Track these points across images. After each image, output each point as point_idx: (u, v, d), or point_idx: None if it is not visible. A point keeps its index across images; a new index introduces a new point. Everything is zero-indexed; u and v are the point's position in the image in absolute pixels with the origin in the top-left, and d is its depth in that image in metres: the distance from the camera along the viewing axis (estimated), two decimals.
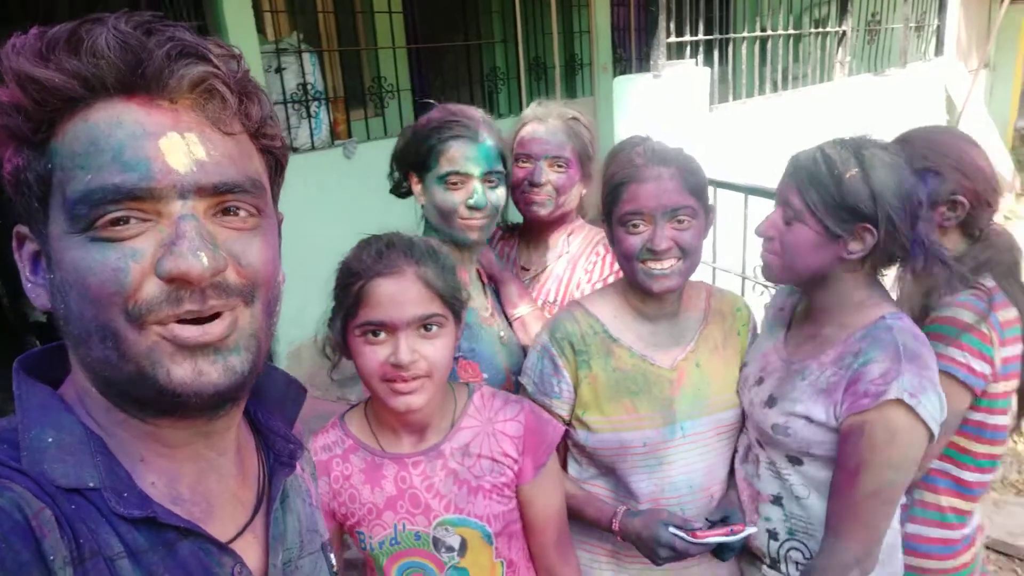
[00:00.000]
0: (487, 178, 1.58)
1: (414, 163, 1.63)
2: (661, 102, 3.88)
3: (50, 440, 0.60)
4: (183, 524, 0.62)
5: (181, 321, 0.58)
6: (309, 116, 4.21)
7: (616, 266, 1.63)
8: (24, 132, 0.58)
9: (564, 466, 1.57)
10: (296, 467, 0.79)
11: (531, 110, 1.87)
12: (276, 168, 0.69)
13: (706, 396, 1.48)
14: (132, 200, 0.56)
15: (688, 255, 1.40)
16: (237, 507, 0.71)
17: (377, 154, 4.40)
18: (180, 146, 0.58)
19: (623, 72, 6.20)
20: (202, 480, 0.67)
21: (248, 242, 0.62)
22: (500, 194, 1.62)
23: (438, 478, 1.26)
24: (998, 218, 1.64)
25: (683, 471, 1.47)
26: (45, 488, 0.57)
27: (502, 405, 1.34)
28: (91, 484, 0.59)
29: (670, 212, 1.37)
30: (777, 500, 1.44)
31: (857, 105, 5.65)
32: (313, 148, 4.22)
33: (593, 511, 1.46)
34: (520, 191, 1.81)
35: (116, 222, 0.56)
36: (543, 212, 1.77)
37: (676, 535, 1.34)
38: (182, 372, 0.58)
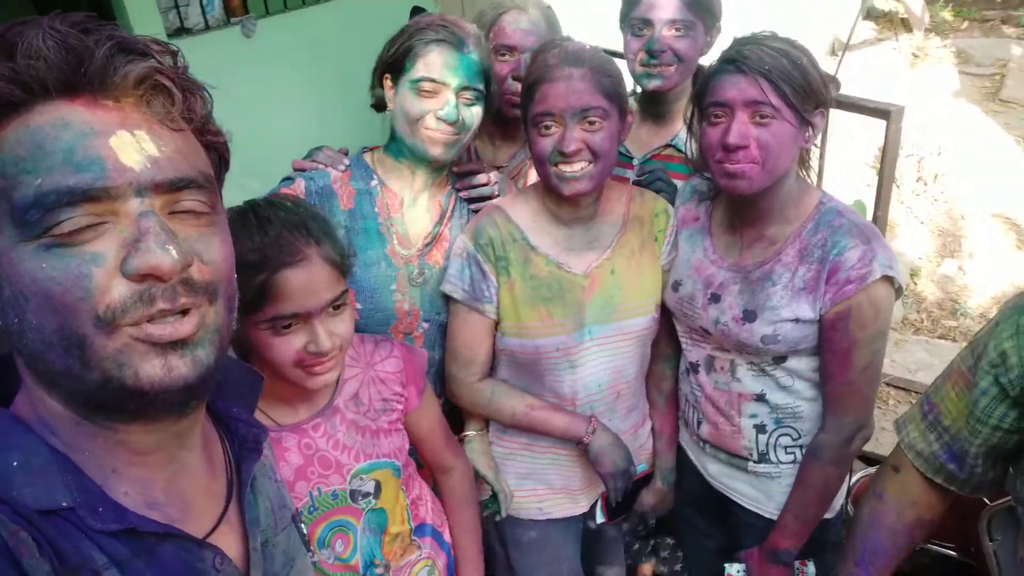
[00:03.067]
0: (463, 93, 1.47)
1: (391, 63, 1.50)
2: None
3: (15, 464, 0.59)
4: (160, 529, 0.63)
5: (151, 320, 0.57)
6: None
7: None
8: None
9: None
10: (263, 451, 0.80)
11: None
12: (221, 164, 0.69)
13: (616, 303, 1.52)
14: (88, 201, 0.55)
15: (600, 158, 1.38)
16: (210, 500, 0.72)
17: (280, 31, 4.10)
18: (131, 143, 0.57)
19: None
20: (174, 481, 0.67)
21: (208, 239, 0.62)
22: (475, 113, 1.51)
23: (341, 433, 1.27)
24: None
25: (592, 372, 1.53)
26: (20, 511, 0.57)
27: (373, 347, 1.36)
28: (64, 504, 0.59)
29: (580, 113, 1.35)
30: (760, 397, 1.49)
31: None
32: (207, 28, 3.85)
33: (562, 421, 1.54)
34: (503, 88, 1.71)
35: (72, 225, 0.55)
36: None
37: None
38: (151, 369, 0.57)
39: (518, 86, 1.67)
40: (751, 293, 1.43)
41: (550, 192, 1.47)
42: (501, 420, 1.60)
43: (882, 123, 2.06)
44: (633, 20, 1.72)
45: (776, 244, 1.42)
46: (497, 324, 1.53)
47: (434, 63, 1.45)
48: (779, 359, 1.45)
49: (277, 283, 1.09)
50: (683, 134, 1.73)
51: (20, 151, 0.55)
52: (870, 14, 7.83)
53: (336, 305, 1.16)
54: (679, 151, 1.79)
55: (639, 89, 1.82)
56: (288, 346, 1.12)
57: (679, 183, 1.69)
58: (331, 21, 4.26)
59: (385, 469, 1.31)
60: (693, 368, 1.60)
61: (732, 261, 1.48)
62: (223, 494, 0.74)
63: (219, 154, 0.68)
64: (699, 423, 1.61)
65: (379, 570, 1.31)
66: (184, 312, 0.59)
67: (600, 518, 1.71)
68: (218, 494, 0.74)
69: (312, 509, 1.25)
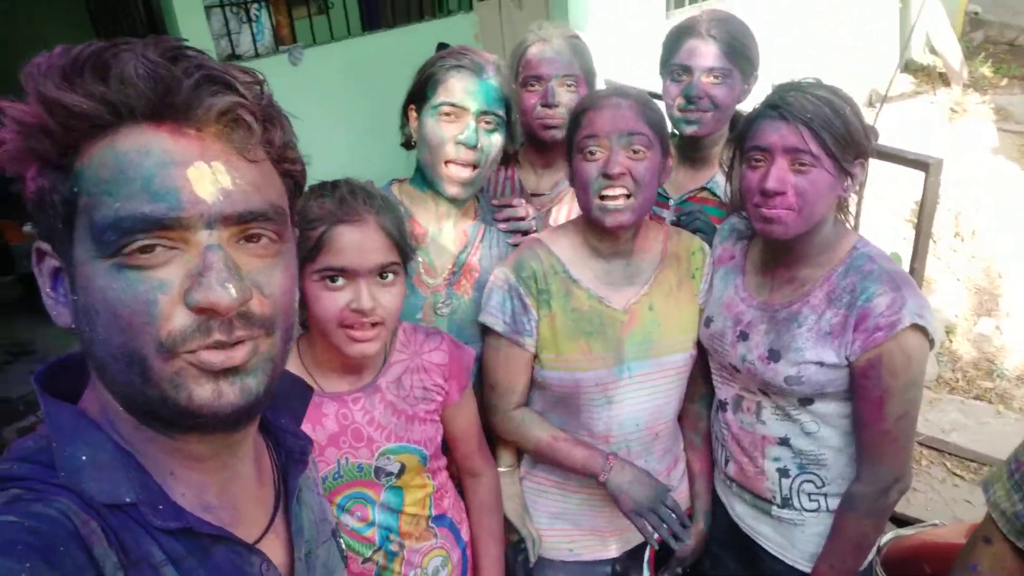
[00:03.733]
0: (484, 117, 1.51)
1: (414, 93, 1.55)
2: (617, 5, 3.75)
3: (84, 458, 0.62)
4: (216, 532, 0.66)
5: (206, 348, 0.59)
6: (250, 20, 3.95)
7: None
8: (49, 154, 0.58)
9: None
10: (308, 463, 0.82)
11: (531, 33, 1.79)
12: (296, 189, 0.71)
13: (654, 339, 1.52)
14: (160, 229, 0.57)
15: (641, 188, 1.40)
16: (259, 508, 0.74)
17: (325, 61, 4.21)
18: (207, 175, 0.59)
19: None
20: (227, 487, 0.70)
21: (270, 271, 0.63)
22: (495, 140, 1.54)
23: (378, 411, 1.33)
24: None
25: (630, 410, 1.52)
26: (89, 503, 0.60)
27: (424, 338, 1.42)
28: (128, 499, 0.62)
29: (626, 137, 1.38)
30: (784, 441, 1.48)
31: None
32: (257, 55, 3.97)
33: (581, 455, 1.51)
34: (533, 116, 1.76)
35: (144, 249, 0.57)
36: (561, 135, 1.69)
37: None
38: (203, 392, 0.60)
39: (547, 111, 1.73)
40: (777, 333, 1.43)
41: (591, 225, 1.48)
42: (525, 446, 1.60)
43: (919, 176, 2.04)
44: (673, 66, 1.77)
45: (805, 286, 1.43)
46: (535, 356, 1.53)
47: (454, 88, 1.49)
48: (805, 401, 1.43)
49: (332, 236, 1.20)
50: (719, 178, 1.77)
51: (104, 173, 0.57)
52: (908, 67, 7.82)
53: (383, 274, 1.23)
54: (714, 195, 1.83)
55: (677, 133, 1.85)
56: (334, 302, 1.21)
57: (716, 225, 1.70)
58: (377, 51, 4.36)
59: (412, 454, 1.35)
60: (722, 406, 1.60)
61: (761, 300, 1.49)
62: (271, 503, 0.76)
63: (295, 180, 0.70)
64: (727, 461, 1.61)
65: (394, 546, 1.36)
66: (239, 341, 0.61)
67: (647, 574, 1.67)
68: (266, 502, 0.76)
69: (337, 476, 1.31)
